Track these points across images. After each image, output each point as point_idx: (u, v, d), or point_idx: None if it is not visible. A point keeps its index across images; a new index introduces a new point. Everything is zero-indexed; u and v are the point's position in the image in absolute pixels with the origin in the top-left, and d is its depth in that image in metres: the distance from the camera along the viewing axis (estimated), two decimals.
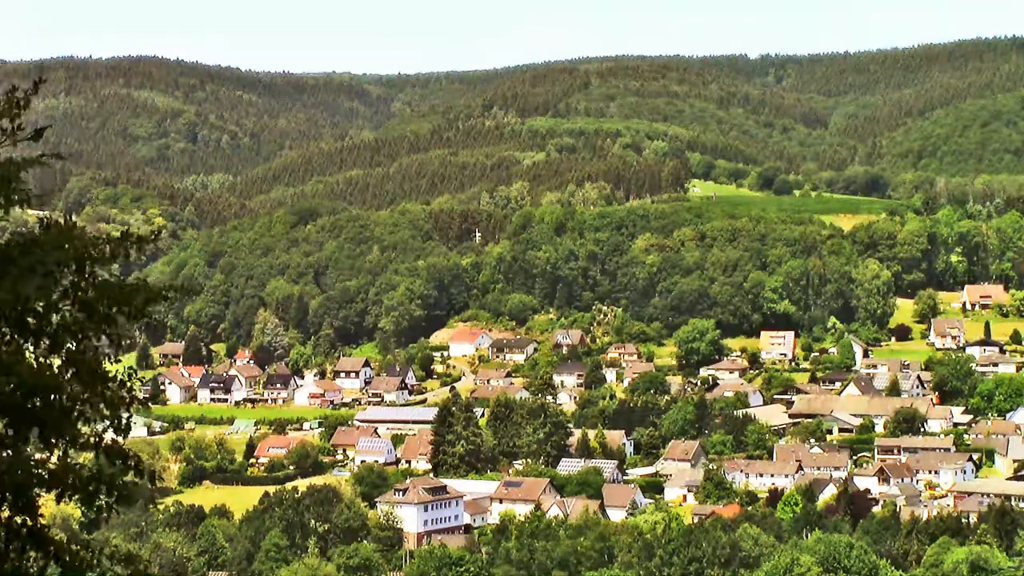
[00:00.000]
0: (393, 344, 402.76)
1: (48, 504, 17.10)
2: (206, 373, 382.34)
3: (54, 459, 16.90)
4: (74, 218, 17.38)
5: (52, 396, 16.55)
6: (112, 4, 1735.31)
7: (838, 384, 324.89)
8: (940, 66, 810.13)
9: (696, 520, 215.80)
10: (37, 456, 16.87)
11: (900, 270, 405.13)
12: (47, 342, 16.61)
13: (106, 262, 16.87)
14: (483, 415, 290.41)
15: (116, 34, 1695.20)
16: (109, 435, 17.26)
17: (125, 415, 16.96)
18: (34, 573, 16.96)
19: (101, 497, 16.95)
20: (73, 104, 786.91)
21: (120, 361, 17.35)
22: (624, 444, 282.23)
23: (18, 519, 16.71)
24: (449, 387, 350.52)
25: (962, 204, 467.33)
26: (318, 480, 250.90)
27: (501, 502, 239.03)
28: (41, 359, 16.57)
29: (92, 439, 16.94)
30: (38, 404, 16.60)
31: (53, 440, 16.75)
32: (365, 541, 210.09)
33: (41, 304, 16.45)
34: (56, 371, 16.56)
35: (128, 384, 17.01)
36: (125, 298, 16.78)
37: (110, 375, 16.79)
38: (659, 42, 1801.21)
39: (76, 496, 16.93)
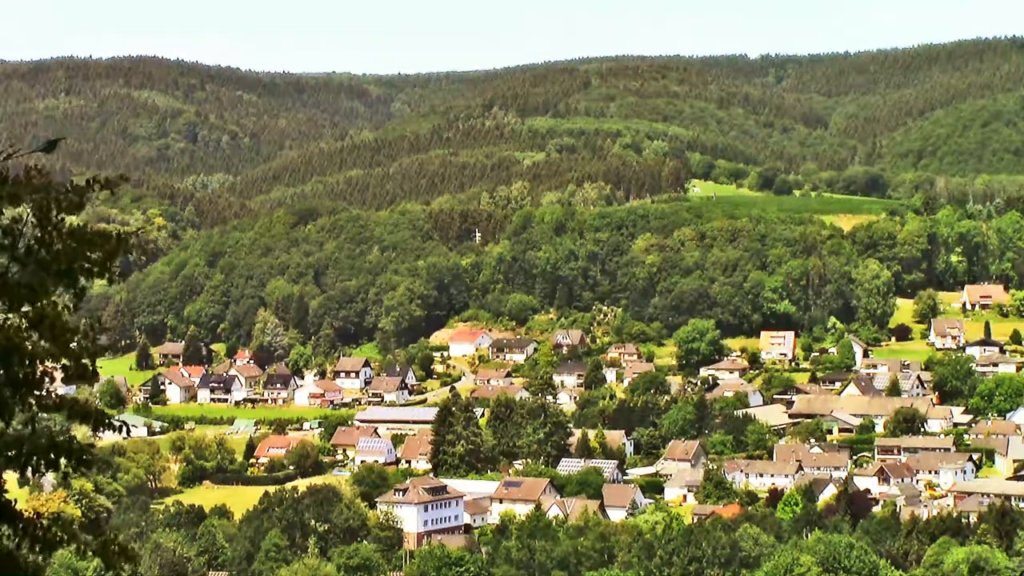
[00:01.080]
0: (393, 344, 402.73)
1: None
2: (206, 373, 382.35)
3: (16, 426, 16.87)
4: (36, 164, 17.23)
5: (17, 360, 16.49)
6: (112, 4, 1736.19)
7: (838, 384, 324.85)
8: (940, 66, 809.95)
9: (696, 520, 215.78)
10: None
11: (900, 270, 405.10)
12: (6, 301, 16.54)
13: (71, 210, 16.78)
14: (483, 415, 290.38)
15: (116, 34, 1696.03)
16: (71, 393, 17.21)
17: (89, 364, 16.89)
18: (6, 548, 16.94)
19: (63, 463, 16.94)
20: (73, 104, 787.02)
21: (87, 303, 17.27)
22: (624, 444, 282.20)
23: None
24: (449, 387, 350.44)
25: (962, 204, 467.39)
26: (318, 480, 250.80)
27: (501, 502, 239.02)
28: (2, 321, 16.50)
29: (54, 400, 16.88)
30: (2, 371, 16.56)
31: (20, 405, 16.72)
32: (365, 541, 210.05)
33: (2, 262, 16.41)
34: (18, 331, 16.48)
35: (92, 334, 16.95)
36: (83, 253, 16.70)
37: (73, 328, 16.72)
38: (659, 42, 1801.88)
39: (40, 464, 16.91)
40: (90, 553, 17.23)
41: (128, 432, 18.15)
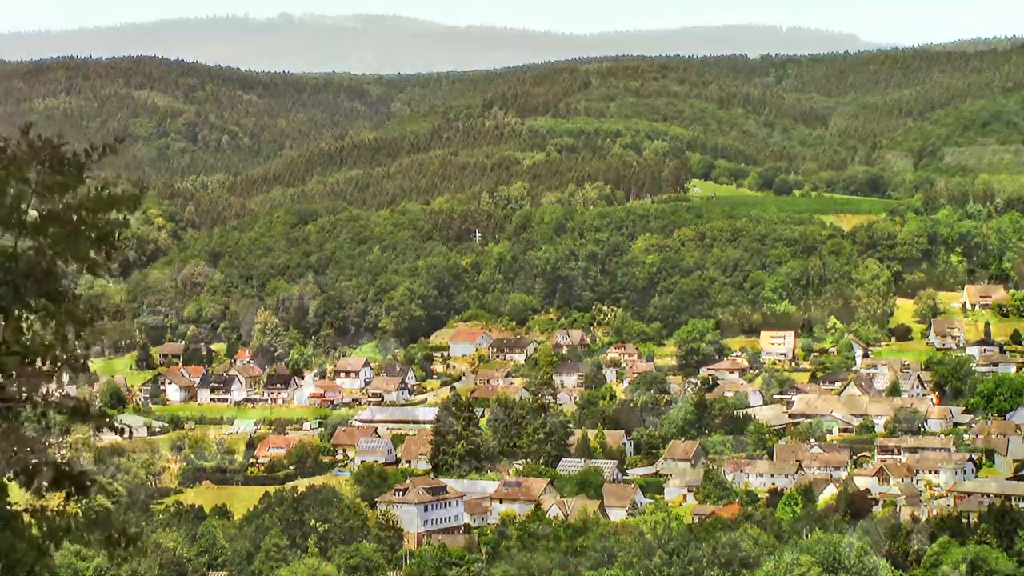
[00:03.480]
0: (393, 344, 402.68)
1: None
2: (206, 373, 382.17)
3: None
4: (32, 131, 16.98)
5: (27, 357, 16.44)
6: (112, 4, 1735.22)
7: (838, 384, 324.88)
8: (940, 66, 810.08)
9: (696, 520, 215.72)
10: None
11: (900, 270, 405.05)
12: (21, 290, 16.47)
13: (74, 182, 16.67)
14: (483, 415, 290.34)
15: (116, 34, 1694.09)
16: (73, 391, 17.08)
17: (85, 358, 16.79)
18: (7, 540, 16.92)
19: (65, 486, 16.96)
20: (73, 104, 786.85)
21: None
22: (624, 444, 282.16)
23: None
24: (449, 387, 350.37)
25: (962, 204, 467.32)
26: (318, 480, 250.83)
27: (501, 502, 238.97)
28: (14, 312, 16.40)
29: (59, 399, 16.81)
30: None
31: (29, 404, 16.68)
32: (365, 541, 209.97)
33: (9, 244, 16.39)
34: (27, 326, 16.41)
35: (91, 326, 16.76)
36: (92, 223, 16.62)
37: (81, 320, 16.57)
38: (659, 42, 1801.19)
39: (42, 485, 16.92)
40: (95, 545, 17.23)
41: (131, 435, 18.15)
